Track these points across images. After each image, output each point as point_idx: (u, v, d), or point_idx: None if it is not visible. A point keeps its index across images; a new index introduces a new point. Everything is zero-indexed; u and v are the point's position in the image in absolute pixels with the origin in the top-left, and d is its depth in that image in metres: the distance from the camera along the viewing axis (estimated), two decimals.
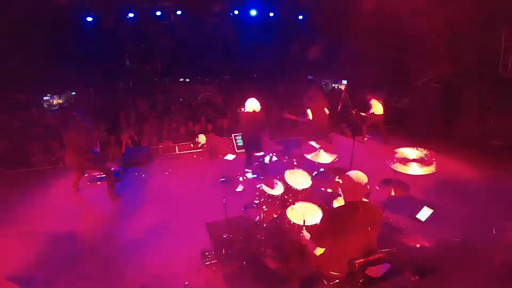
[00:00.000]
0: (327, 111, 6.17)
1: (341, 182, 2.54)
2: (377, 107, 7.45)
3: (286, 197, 3.77)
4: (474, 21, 6.61)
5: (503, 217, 4.15)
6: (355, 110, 7.56)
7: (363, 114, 7.40)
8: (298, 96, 6.48)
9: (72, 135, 4.78)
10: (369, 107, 7.47)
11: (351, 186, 2.42)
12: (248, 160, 5.74)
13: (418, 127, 8.05)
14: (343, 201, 2.56)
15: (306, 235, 2.65)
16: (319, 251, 2.48)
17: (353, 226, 2.37)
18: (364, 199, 2.55)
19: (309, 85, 10.55)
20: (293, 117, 6.42)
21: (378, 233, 2.49)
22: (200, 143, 7.94)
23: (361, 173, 2.46)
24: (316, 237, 2.51)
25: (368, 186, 2.45)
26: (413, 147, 3.60)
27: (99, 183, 5.94)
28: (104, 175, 5.31)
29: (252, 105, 5.39)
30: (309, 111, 5.99)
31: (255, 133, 5.66)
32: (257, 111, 5.41)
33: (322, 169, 4.22)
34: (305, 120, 6.03)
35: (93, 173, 6.08)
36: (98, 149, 5.34)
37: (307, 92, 6.21)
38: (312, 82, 15.30)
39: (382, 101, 7.52)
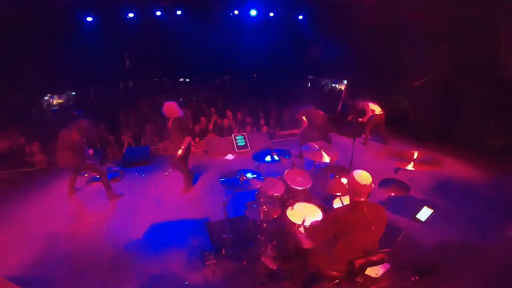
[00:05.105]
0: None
1: (346, 181, 2.53)
2: (375, 108, 7.44)
3: (286, 197, 3.77)
4: (474, 20, 6.61)
5: (503, 217, 4.15)
6: (351, 116, 7.58)
7: (360, 120, 7.47)
8: (295, 101, 6.53)
9: (66, 133, 4.74)
10: (366, 112, 7.47)
11: (357, 186, 2.42)
12: None
13: (418, 127, 8.05)
14: (347, 200, 2.55)
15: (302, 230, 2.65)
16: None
17: (357, 225, 2.37)
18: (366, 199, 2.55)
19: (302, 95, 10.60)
20: (290, 132, 6.52)
21: (381, 233, 2.49)
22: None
23: (366, 172, 2.46)
24: (317, 236, 2.50)
25: (372, 186, 2.45)
26: (413, 147, 3.61)
27: (99, 183, 5.91)
28: (98, 176, 5.26)
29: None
30: (304, 118, 6.05)
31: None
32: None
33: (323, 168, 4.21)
34: (302, 129, 6.10)
35: (93, 173, 6.05)
36: (91, 151, 5.28)
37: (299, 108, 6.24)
38: (312, 82, 15.33)
39: (377, 102, 7.52)
